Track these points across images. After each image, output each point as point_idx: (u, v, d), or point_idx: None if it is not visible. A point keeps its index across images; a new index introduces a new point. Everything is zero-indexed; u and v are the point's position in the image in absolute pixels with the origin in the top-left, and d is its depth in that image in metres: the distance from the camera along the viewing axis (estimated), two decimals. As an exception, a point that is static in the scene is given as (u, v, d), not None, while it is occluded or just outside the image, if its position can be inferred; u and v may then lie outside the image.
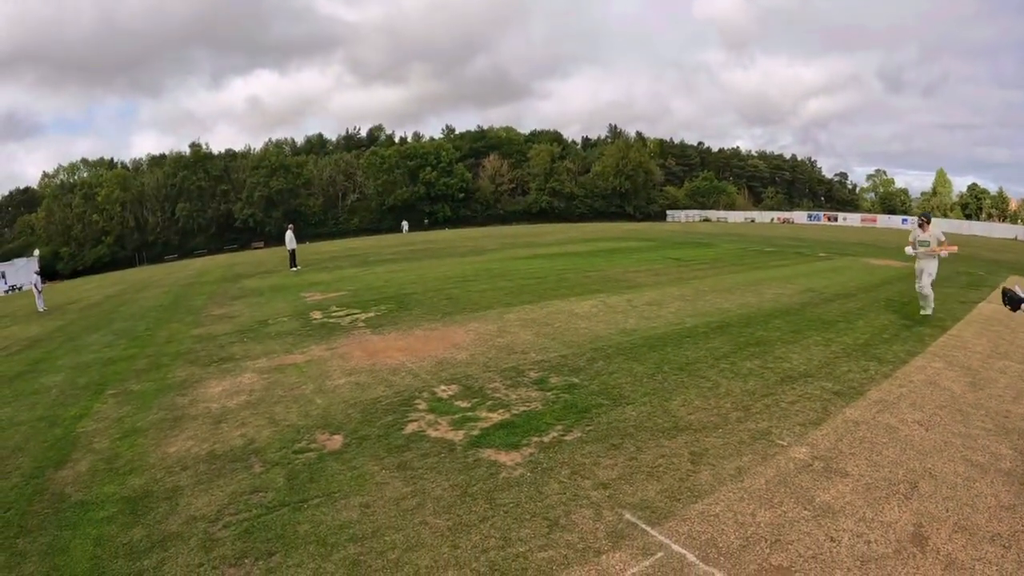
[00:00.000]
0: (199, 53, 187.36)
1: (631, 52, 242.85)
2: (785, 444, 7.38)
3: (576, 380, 9.93)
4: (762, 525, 5.67)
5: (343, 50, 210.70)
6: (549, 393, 9.34)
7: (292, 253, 33.65)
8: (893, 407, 8.86)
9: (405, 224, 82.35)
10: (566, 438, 7.67)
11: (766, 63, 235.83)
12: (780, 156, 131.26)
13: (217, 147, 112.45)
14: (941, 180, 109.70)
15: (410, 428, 8.18)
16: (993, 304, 18.87)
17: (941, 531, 5.83)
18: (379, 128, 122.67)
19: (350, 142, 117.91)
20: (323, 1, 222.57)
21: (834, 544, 5.44)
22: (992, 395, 9.93)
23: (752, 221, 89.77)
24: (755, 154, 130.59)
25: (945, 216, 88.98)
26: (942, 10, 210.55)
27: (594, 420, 8.20)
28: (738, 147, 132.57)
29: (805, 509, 5.97)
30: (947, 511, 6.21)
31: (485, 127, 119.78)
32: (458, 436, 7.87)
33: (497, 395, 9.34)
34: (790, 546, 5.37)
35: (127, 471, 7.31)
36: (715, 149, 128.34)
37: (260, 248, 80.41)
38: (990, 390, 10.15)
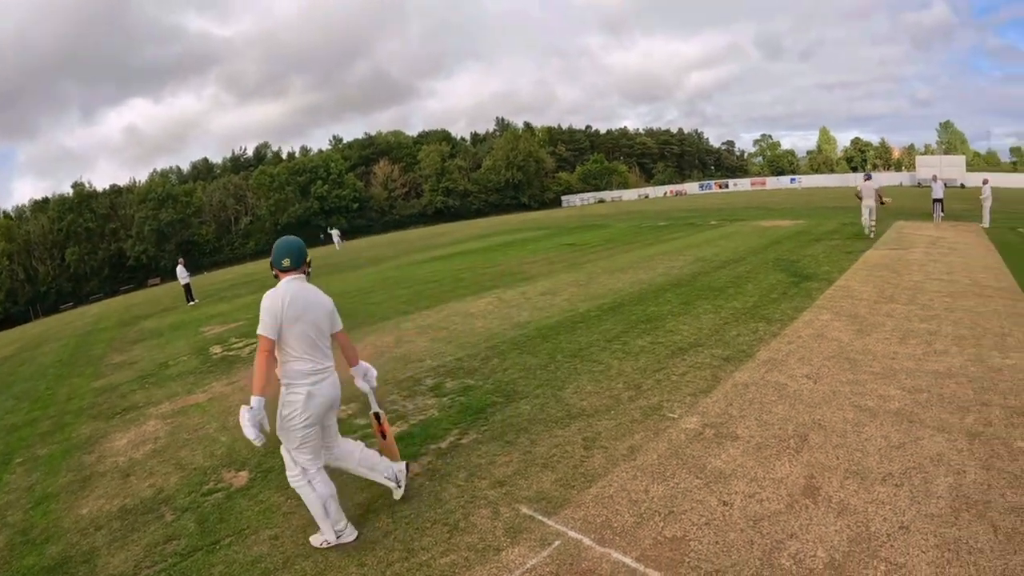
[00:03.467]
0: (68, 86, 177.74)
1: (512, 43, 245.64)
2: (676, 416, 7.53)
3: (471, 381, 9.92)
4: (655, 500, 5.76)
5: (218, 68, 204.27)
6: (445, 398, 9.32)
7: (187, 287, 32.62)
8: (781, 365, 9.20)
9: (335, 233, 73.25)
10: (462, 441, 7.66)
11: (646, 42, 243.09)
12: (667, 131, 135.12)
13: (101, 184, 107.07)
14: (825, 138, 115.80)
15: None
16: (879, 251, 19.90)
17: (832, 479, 6.06)
18: (265, 146, 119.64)
19: (237, 163, 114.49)
20: (193, 18, 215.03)
21: (727, 508, 5.56)
22: (879, 339, 10.47)
23: (646, 197, 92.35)
24: (643, 132, 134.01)
25: (832, 171, 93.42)
26: None
27: (489, 420, 8.20)
28: (626, 127, 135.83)
29: (697, 478, 6.09)
30: (838, 459, 6.46)
31: (372, 133, 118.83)
32: (358, 454, 7.82)
33: (395, 407, 9.26)
34: (683, 516, 5.47)
35: (43, 540, 6.96)
36: (603, 131, 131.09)
37: (157, 284, 76.97)
38: (877, 334, 10.70)
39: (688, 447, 6.72)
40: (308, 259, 5.68)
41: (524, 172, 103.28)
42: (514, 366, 10.46)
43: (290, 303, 5.26)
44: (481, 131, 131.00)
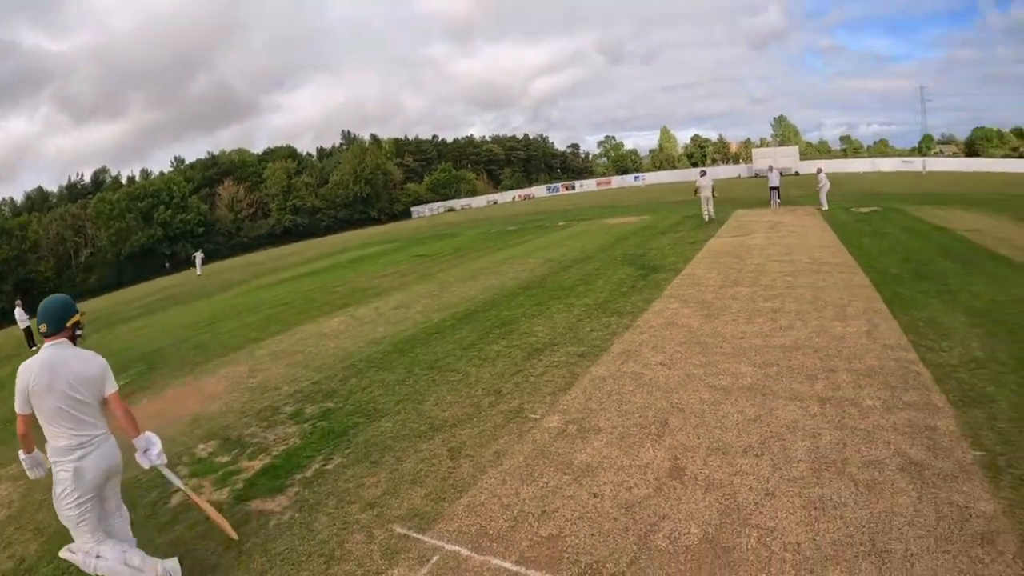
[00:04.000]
0: None
1: (358, 54, 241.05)
2: (538, 417, 7.59)
3: (331, 404, 9.60)
4: (527, 501, 5.76)
5: (52, 86, 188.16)
6: (306, 425, 8.96)
7: (27, 331, 30.05)
8: (636, 355, 9.50)
9: (199, 257, 68.59)
10: (328, 467, 7.37)
11: (491, 50, 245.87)
12: (514, 137, 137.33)
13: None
14: (666, 136, 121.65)
15: (176, 499, 7.49)
16: (722, 239, 20.91)
17: (696, 458, 6.31)
18: (104, 170, 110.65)
19: (75, 191, 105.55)
20: (25, 32, 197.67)
21: (598, 499, 5.66)
22: (727, 321, 11.06)
23: (495, 203, 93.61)
24: (489, 139, 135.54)
25: (674, 167, 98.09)
26: None
27: (352, 442, 7.95)
28: (472, 135, 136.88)
29: (565, 474, 6.15)
30: (699, 438, 6.74)
31: (216, 152, 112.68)
32: (224, 495, 7.32)
33: (255, 440, 8.80)
34: (557, 513, 5.51)
35: None
36: (450, 140, 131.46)
37: (-8, 330, 70.69)
38: (725, 317, 11.27)
39: (553, 445, 6.77)
40: (75, 319, 5.19)
41: (372, 185, 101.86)
42: (373, 384, 10.21)
43: (37, 375, 4.82)
44: (327, 145, 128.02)
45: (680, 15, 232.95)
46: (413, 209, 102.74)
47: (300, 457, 7.84)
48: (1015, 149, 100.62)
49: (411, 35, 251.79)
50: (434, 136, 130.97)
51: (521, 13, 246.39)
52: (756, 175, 71.66)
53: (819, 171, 32.90)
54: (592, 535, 5.16)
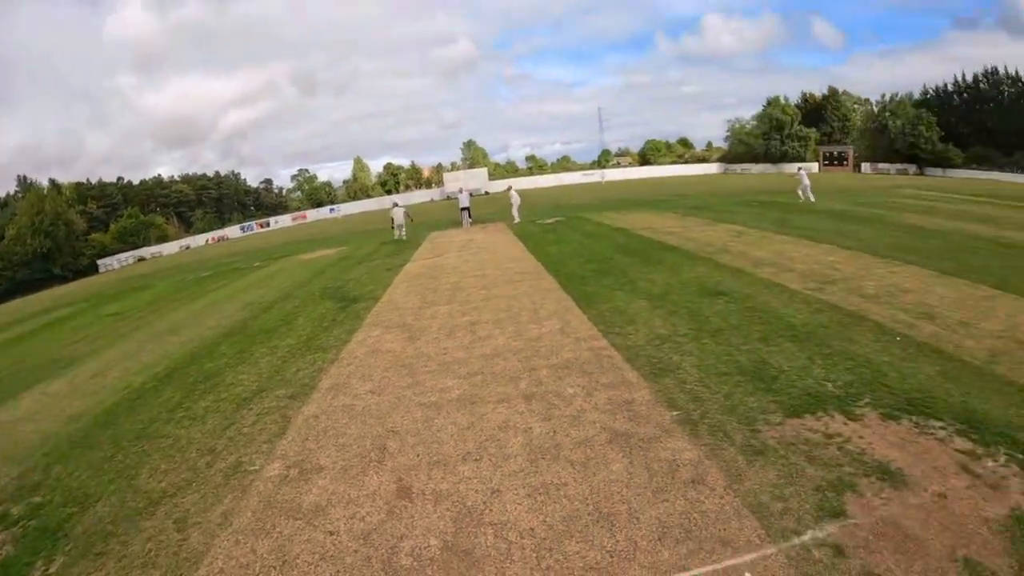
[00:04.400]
0: None
1: (37, 87, 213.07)
2: (258, 467, 7.52)
3: (38, 499, 8.63)
4: (265, 556, 5.76)
5: None
6: (16, 528, 7.97)
7: None
8: (345, 388, 9.77)
9: None
10: (51, 571, 6.71)
11: (180, 82, 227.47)
12: (204, 175, 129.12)
13: None
14: (360, 166, 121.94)
15: None
16: (417, 262, 21.72)
17: (420, 475, 6.76)
18: None
19: None
20: None
21: (334, 536, 5.83)
22: (429, 340, 11.74)
23: (188, 248, 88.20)
24: (178, 179, 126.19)
25: (368, 196, 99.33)
26: (348, 16, 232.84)
27: (71, 535, 7.27)
28: (160, 175, 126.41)
29: (297, 519, 6.23)
30: (418, 456, 7.21)
31: None
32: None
33: (-40, 562, 7.74)
34: (298, 560, 5.59)
35: None
36: (136, 182, 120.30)
37: None
38: (426, 337, 11.93)
39: (279, 493, 6.79)
40: None
41: (53, 238, 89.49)
42: (79, 467, 9.35)
43: None
44: (1, 194, 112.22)
45: (374, 46, 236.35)
46: (100, 262, 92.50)
47: (17, 567, 7.05)
48: (680, 156, 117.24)
49: (96, 66, 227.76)
50: (119, 178, 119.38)
51: (213, 41, 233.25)
52: (448, 197, 75.27)
53: (509, 188, 36.07)
54: (337, 572, 5.34)
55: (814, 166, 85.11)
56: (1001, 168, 71.82)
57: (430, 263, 21.61)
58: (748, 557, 5.07)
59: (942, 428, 7.24)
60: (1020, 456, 6.59)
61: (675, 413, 7.85)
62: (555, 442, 7.26)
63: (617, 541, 5.34)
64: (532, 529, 5.61)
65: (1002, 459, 6.55)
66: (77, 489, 8.57)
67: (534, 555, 5.24)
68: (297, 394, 9.75)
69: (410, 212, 32.86)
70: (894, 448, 6.80)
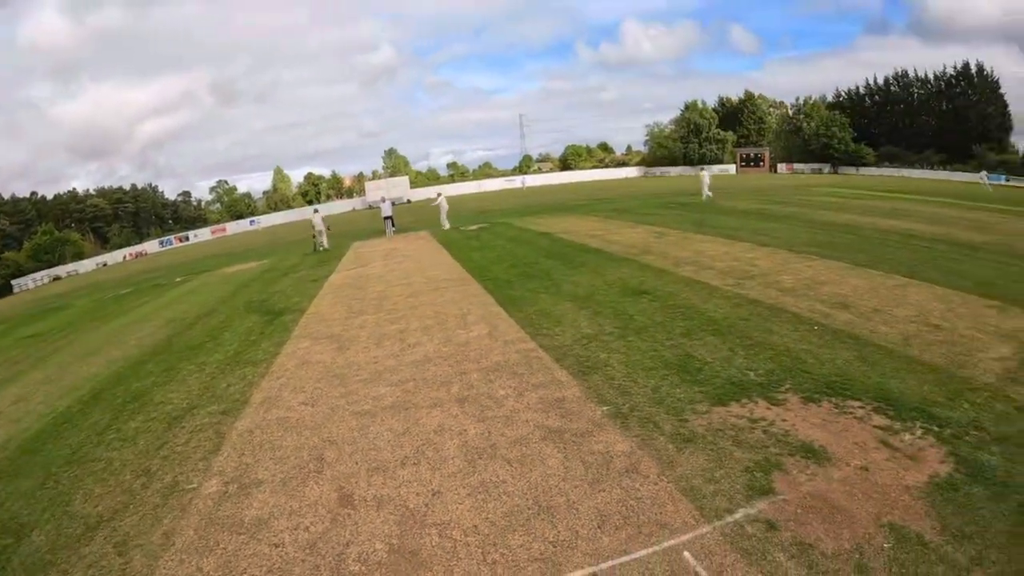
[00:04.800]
0: None
1: None
2: (195, 486, 7.39)
3: None
4: (211, 572, 5.69)
5: None
6: None
7: None
8: (278, 400, 9.71)
9: None
10: None
11: (96, 90, 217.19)
12: (120, 189, 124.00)
13: None
14: (280, 176, 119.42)
15: None
16: (342, 273, 21.59)
17: (360, 482, 6.83)
18: None
19: None
20: None
21: (280, 548, 5.83)
22: (359, 350, 11.78)
23: (105, 265, 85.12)
24: (94, 192, 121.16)
25: (289, 207, 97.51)
26: (269, 23, 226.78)
27: (8, 569, 7.04)
28: (75, 188, 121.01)
29: (240, 534, 6.19)
30: (357, 464, 7.28)
31: None
32: None
33: None
34: (245, 574, 5.58)
35: None
36: (51, 196, 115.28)
37: None
38: (356, 347, 11.96)
39: (220, 510, 6.71)
40: None
41: None
42: (9, 497, 8.99)
43: None
44: None
45: (294, 53, 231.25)
46: (14, 283, 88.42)
47: (-43, 606, 6.82)
48: (601, 161, 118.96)
49: (7, 74, 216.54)
50: (33, 193, 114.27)
51: (130, 48, 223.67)
52: (370, 207, 74.65)
53: (439, 195, 36.57)
54: (285, 584, 5.38)
55: (731, 168, 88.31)
56: (911, 165, 76.19)
57: (355, 273, 21.51)
58: (685, 537, 5.35)
59: (860, 407, 7.72)
60: (935, 428, 7.09)
61: (605, 408, 8.13)
62: (491, 442, 7.45)
63: (559, 532, 5.55)
64: (475, 527, 5.76)
65: (918, 432, 7.03)
66: (10, 520, 8.29)
67: (479, 551, 5.39)
68: (229, 409, 9.60)
69: (327, 222, 32.86)
70: (816, 428, 7.23)
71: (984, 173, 62.82)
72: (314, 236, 31.69)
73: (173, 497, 7.22)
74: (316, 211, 32.95)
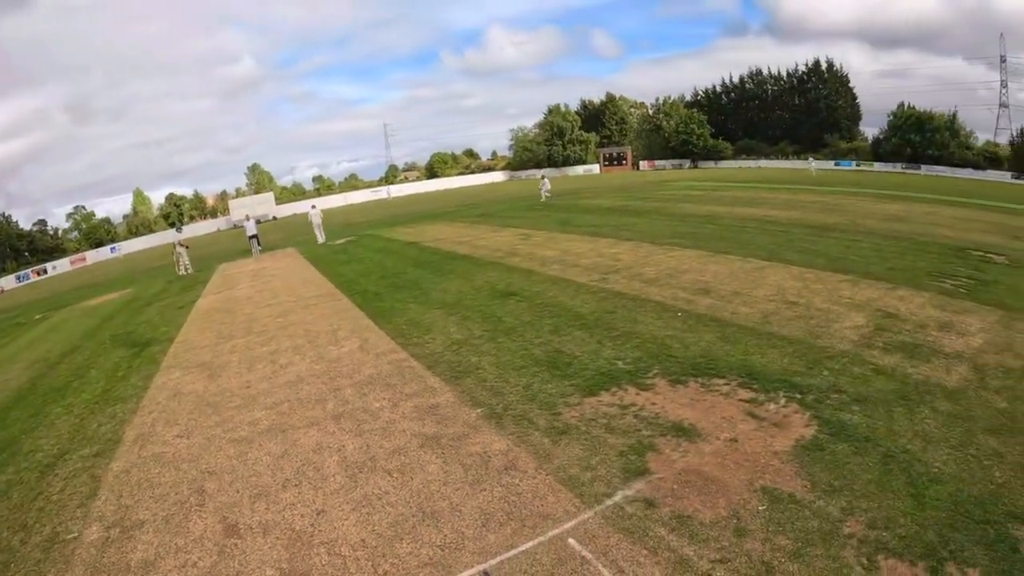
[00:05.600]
0: None
1: None
2: (76, 534, 6.98)
3: None
4: (100, 623, 5.57)
5: None
6: None
7: None
8: (152, 436, 9.33)
9: None
10: None
11: None
12: None
13: None
14: (140, 199, 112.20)
15: None
16: (209, 297, 20.96)
17: (243, 510, 6.77)
18: None
19: None
20: None
21: (165, 587, 5.72)
22: (231, 376, 11.57)
23: (-43, 309, 78.74)
24: None
25: (151, 231, 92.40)
26: (126, 35, 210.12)
27: None
28: None
29: (127, 578, 6.02)
30: (238, 492, 7.20)
31: None
32: None
33: None
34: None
35: None
36: None
37: None
38: (228, 373, 11.75)
39: (104, 557, 6.41)
40: None
41: None
42: None
43: None
44: None
45: (152, 66, 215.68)
46: None
47: None
48: (467, 167, 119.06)
49: None
50: None
51: None
52: (235, 226, 71.97)
53: (313, 207, 36.34)
54: (179, 621, 5.27)
55: (595, 167, 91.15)
56: (767, 157, 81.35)
57: (222, 296, 20.87)
58: (568, 524, 5.67)
59: (725, 384, 8.36)
60: (798, 396, 7.79)
61: (480, 410, 8.42)
62: (370, 455, 7.57)
63: (445, 535, 5.75)
64: (363, 540, 5.87)
65: (782, 401, 7.70)
66: None
67: (369, 563, 5.52)
68: (103, 451, 9.13)
69: (188, 243, 31.76)
70: (685, 408, 7.77)
71: (811, 159, 69.46)
72: (176, 260, 30.35)
73: (54, 549, 6.82)
74: (180, 231, 31.78)
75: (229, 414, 9.60)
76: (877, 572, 4.78)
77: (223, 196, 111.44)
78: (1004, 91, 78.90)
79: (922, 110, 72.85)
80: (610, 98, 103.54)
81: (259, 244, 33.35)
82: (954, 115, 71.81)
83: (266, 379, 10.97)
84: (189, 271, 29.29)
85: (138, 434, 9.54)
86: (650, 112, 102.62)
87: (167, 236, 77.20)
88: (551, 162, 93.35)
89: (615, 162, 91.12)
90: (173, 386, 11.55)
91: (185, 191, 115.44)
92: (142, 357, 14.28)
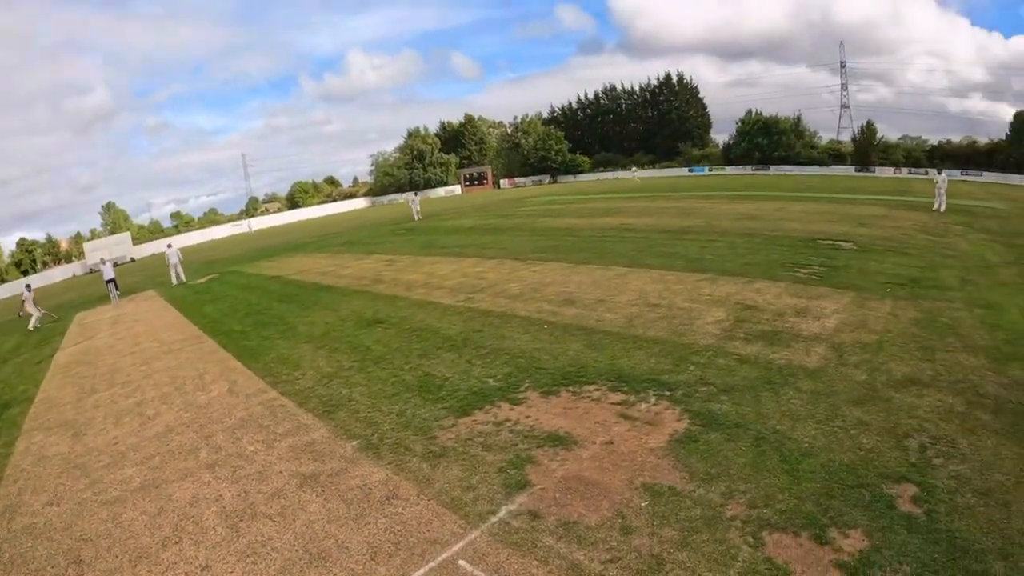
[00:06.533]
0: None
1: None
2: None
3: None
4: None
5: None
6: None
7: None
8: (19, 507, 8.59)
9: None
10: None
11: None
12: None
13: None
14: None
15: None
16: (68, 349, 19.74)
17: (124, 575, 6.41)
18: None
19: None
20: None
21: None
22: (97, 433, 10.85)
23: None
24: None
25: (2, 280, 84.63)
26: None
27: None
28: None
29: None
30: (118, 556, 6.79)
31: None
32: None
33: None
34: None
35: None
36: None
37: None
38: (94, 430, 11.00)
39: None
40: None
41: None
42: None
43: None
44: None
45: None
46: None
47: None
48: (329, 195, 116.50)
49: None
50: None
51: None
52: (91, 270, 67.34)
53: (169, 246, 33.97)
54: None
55: (456, 188, 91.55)
56: (624, 168, 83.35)
57: (82, 347, 19.45)
58: (457, 546, 5.79)
59: (596, 390, 8.74)
60: (667, 393, 8.25)
61: (355, 443, 8.42)
62: (249, 502, 7.39)
63: (335, 574, 5.72)
64: (250, 591, 5.71)
65: (652, 400, 8.14)
66: None
67: (255, 616, 5.37)
68: None
69: (35, 293, 29.37)
70: (558, 417, 8.07)
71: (635, 168, 76.03)
72: (20, 313, 28.05)
73: None
74: (28, 287, 29.35)
75: (99, 474, 9.01)
76: (763, 548, 5.14)
77: (78, 239, 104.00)
78: (845, 93, 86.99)
79: (769, 115, 78.43)
80: (469, 119, 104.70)
81: (117, 288, 31.42)
82: (798, 118, 78.14)
83: (134, 433, 10.40)
84: (36, 326, 27.11)
85: (5, 506, 8.74)
86: (509, 131, 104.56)
87: (16, 286, 71.59)
88: (412, 185, 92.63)
89: (476, 182, 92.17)
90: (37, 450, 10.68)
91: (37, 235, 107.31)
92: (1, 420, 13.27)
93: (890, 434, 6.75)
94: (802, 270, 14.26)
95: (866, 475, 5.97)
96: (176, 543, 6.82)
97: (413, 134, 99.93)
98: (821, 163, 72.65)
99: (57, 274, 74.11)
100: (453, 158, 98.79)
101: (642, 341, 10.55)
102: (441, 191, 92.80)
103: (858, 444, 6.58)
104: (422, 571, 5.54)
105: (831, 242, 17.98)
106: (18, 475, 9.83)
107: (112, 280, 31.30)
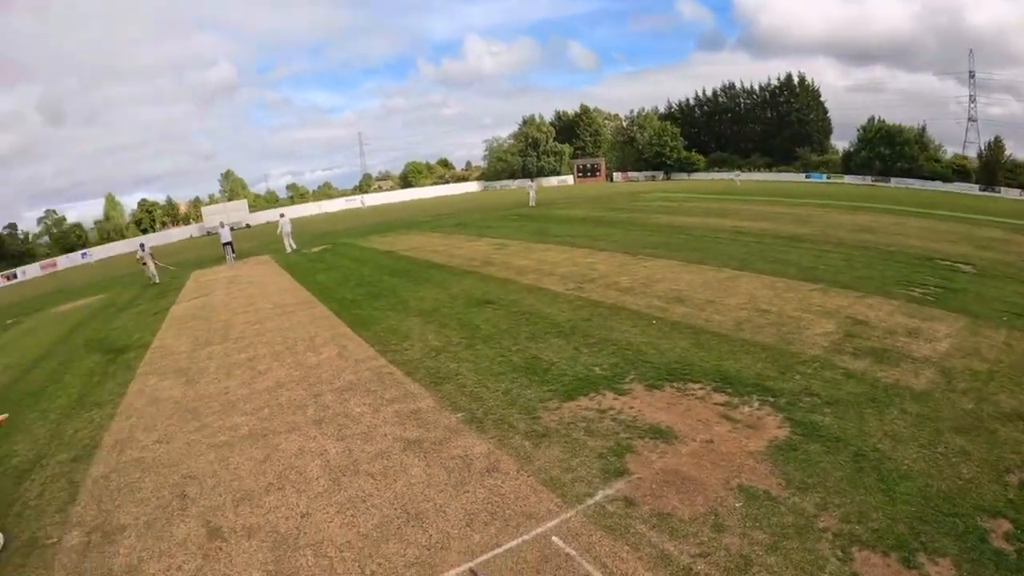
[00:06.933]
0: None
1: None
2: (56, 539, 6.77)
3: None
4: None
5: None
6: None
7: None
8: (131, 441, 9.12)
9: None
10: None
11: None
12: None
13: None
14: (111, 204, 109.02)
15: None
16: (184, 304, 20.66)
17: (227, 514, 6.70)
18: None
19: None
20: None
21: (148, 591, 5.61)
22: (209, 382, 11.40)
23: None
24: None
25: (123, 237, 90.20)
26: (105, 38, 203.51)
27: None
28: None
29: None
30: (221, 496, 7.11)
31: None
32: None
33: None
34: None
35: None
36: None
37: None
38: (206, 379, 11.58)
39: (85, 562, 6.26)
40: None
41: None
42: None
43: None
44: None
45: (126, 69, 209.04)
46: None
47: None
48: (441, 177, 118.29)
49: None
50: None
51: None
52: (208, 233, 70.86)
53: (281, 216, 35.54)
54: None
55: (569, 178, 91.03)
56: (740, 169, 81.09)
57: (197, 303, 20.54)
58: (551, 523, 5.74)
59: (700, 388, 8.47)
60: (771, 399, 7.91)
61: (460, 415, 8.42)
62: (352, 459, 7.53)
63: (430, 535, 5.76)
64: (348, 542, 5.85)
65: (755, 404, 7.82)
66: None
67: (356, 564, 5.50)
68: (81, 456, 8.93)
69: (154, 251, 31.04)
70: (661, 411, 7.85)
71: (738, 172, 73.90)
72: (142, 267, 29.64)
73: (34, 555, 6.60)
74: (142, 245, 30.91)
75: (209, 419, 9.46)
76: (851, 563, 4.94)
77: (196, 202, 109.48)
78: (972, 105, 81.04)
79: (892, 124, 74.22)
80: (584, 110, 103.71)
81: (233, 251, 32.85)
82: (923, 129, 73.42)
83: (245, 385, 10.83)
84: (155, 280, 28.51)
85: (117, 439, 9.35)
86: (624, 124, 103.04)
87: (133, 243, 75.79)
88: (525, 172, 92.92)
89: (589, 173, 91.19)
90: (151, 392, 11.34)
91: (158, 197, 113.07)
92: (118, 363, 13.99)
93: (991, 467, 6.23)
94: (917, 289, 13.40)
95: (962, 505, 5.58)
96: (279, 489, 7.03)
97: (528, 121, 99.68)
98: (944, 178, 67.51)
99: (175, 234, 78.50)
100: (567, 148, 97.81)
101: (749, 345, 10.15)
102: (554, 180, 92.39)
103: (958, 473, 6.12)
104: (515, 542, 5.54)
105: (949, 263, 16.85)
106: (131, 413, 10.39)
107: (229, 243, 32.70)
